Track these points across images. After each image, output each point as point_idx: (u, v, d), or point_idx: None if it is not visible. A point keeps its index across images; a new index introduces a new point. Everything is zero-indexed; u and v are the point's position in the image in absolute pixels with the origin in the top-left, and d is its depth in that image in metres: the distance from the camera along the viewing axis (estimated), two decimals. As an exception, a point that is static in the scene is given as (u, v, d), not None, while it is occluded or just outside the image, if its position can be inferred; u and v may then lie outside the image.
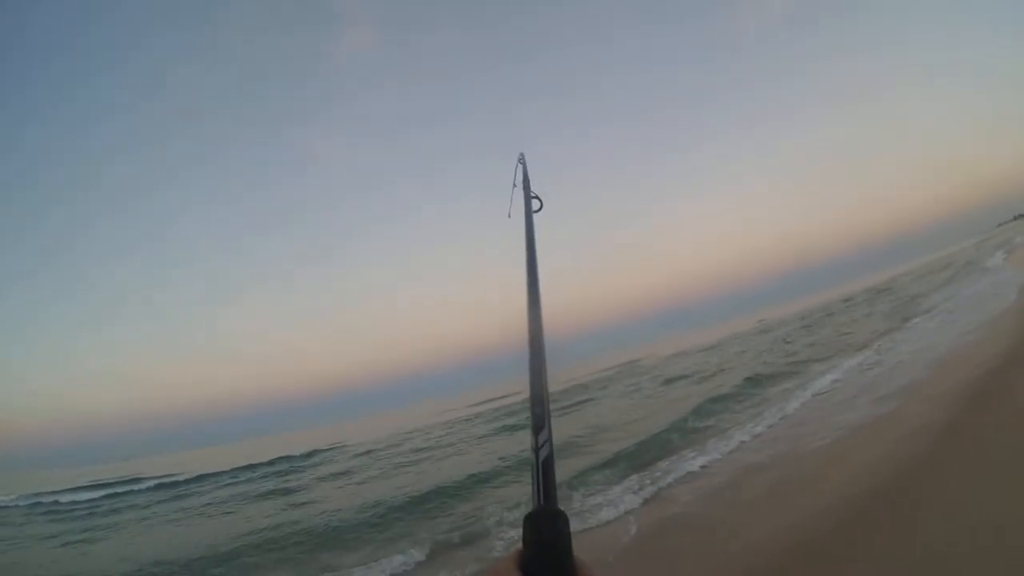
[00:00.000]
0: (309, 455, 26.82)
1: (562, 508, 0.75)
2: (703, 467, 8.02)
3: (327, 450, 27.83)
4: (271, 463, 25.61)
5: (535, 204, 1.43)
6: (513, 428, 20.01)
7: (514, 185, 1.67)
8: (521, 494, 8.22)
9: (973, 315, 13.30)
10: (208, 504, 17.08)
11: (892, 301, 26.93)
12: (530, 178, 1.57)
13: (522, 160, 1.67)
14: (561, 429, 14.57)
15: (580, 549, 0.72)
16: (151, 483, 25.68)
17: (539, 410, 0.85)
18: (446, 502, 10.06)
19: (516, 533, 6.29)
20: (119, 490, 24.98)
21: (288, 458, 26.79)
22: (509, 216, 1.69)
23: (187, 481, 24.80)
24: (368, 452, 23.27)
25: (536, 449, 0.82)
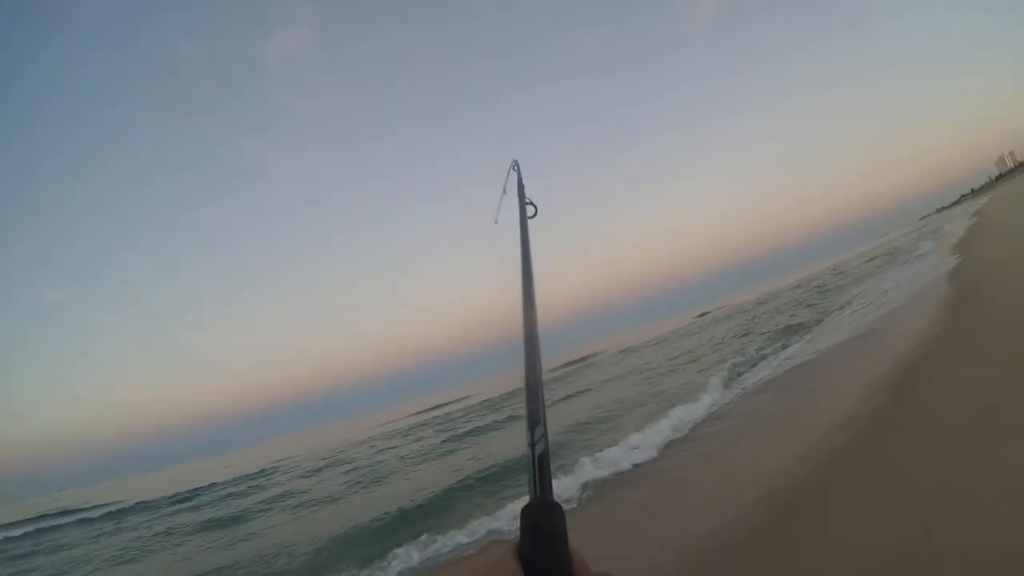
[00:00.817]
0: (256, 475, 26.03)
1: (557, 501, 0.75)
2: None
3: (262, 473, 26.82)
4: (197, 491, 24.60)
5: (530, 210, 1.42)
6: (461, 438, 18.64)
7: (504, 191, 1.69)
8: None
9: (887, 311, 13.46)
10: (139, 537, 16.16)
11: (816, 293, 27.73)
12: (516, 183, 1.57)
13: (516, 167, 1.66)
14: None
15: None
16: (80, 516, 24.92)
17: (534, 406, 0.85)
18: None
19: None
20: (45, 525, 24.09)
21: (231, 481, 25.96)
22: (496, 222, 1.70)
23: (122, 511, 23.83)
24: (310, 473, 21.89)
25: (532, 444, 0.81)
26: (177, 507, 21.77)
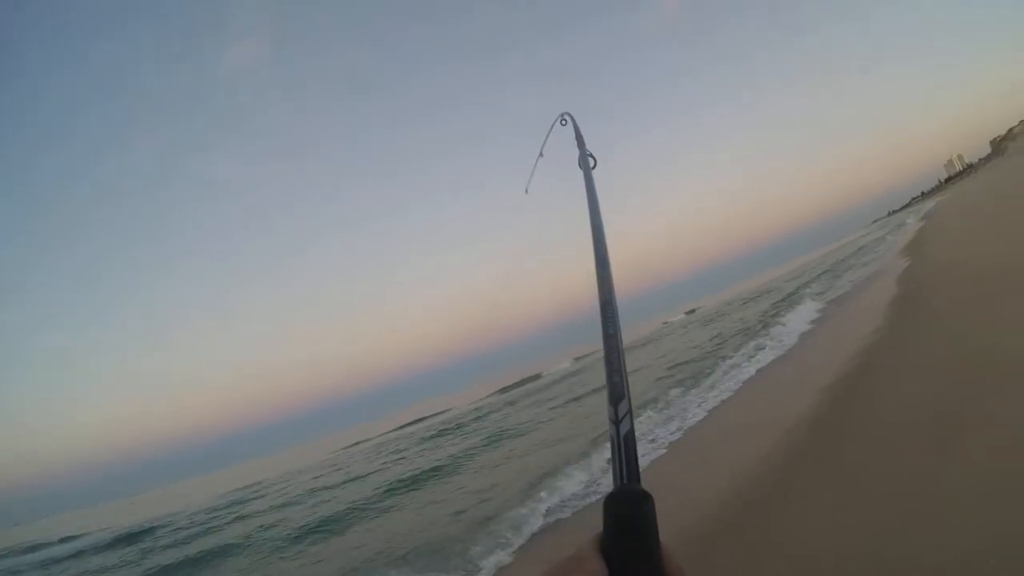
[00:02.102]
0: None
1: (647, 489, 0.68)
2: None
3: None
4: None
5: (591, 161, 1.32)
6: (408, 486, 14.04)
7: (540, 154, 1.67)
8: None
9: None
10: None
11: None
12: (568, 138, 1.50)
13: (569, 119, 1.56)
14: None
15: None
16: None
17: (617, 379, 0.79)
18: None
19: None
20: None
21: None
22: (527, 191, 1.68)
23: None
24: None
25: (616, 422, 0.75)
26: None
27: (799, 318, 16.86)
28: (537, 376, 50.66)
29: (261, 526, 14.57)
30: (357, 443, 47.08)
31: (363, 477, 19.15)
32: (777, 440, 6.43)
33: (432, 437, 24.89)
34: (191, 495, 36.88)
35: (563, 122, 1.58)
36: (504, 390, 47.84)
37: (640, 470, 0.72)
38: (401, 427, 49.45)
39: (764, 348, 14.23)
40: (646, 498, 0.67)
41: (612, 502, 0.67)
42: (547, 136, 1.65)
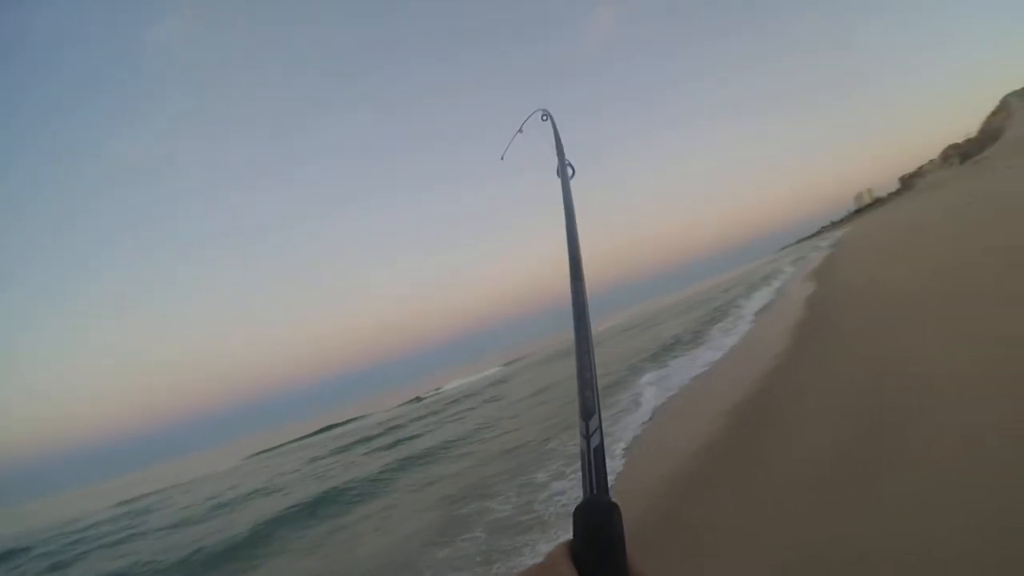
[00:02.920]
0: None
1: (615, 500, 0.70)
2: None
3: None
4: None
5: (569, 171, 1.25)
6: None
7: (520, 130, 1.63)
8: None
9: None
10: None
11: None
12: (551, 135, 1.43)
13: (548, 116, 1.50)
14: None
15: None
16: None
17: (588, 394, 0.79)
18: None
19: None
20: None
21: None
22: (502, 158, 1.72)
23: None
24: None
25: (587, 436, 0.76)
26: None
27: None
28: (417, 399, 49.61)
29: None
30: (275, 447, 45.98)
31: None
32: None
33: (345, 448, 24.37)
34: (83, 504, 37.16)
35: (544, 118, 1.51)
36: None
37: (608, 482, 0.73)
38: (320, 431, 48.95)
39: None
40: (614, 508, 0.69)
41: (582, 512, 0.69)
42: (525, 121, 1.59)
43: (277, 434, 63.15)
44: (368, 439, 25.83)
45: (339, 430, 42.49)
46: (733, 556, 4.20)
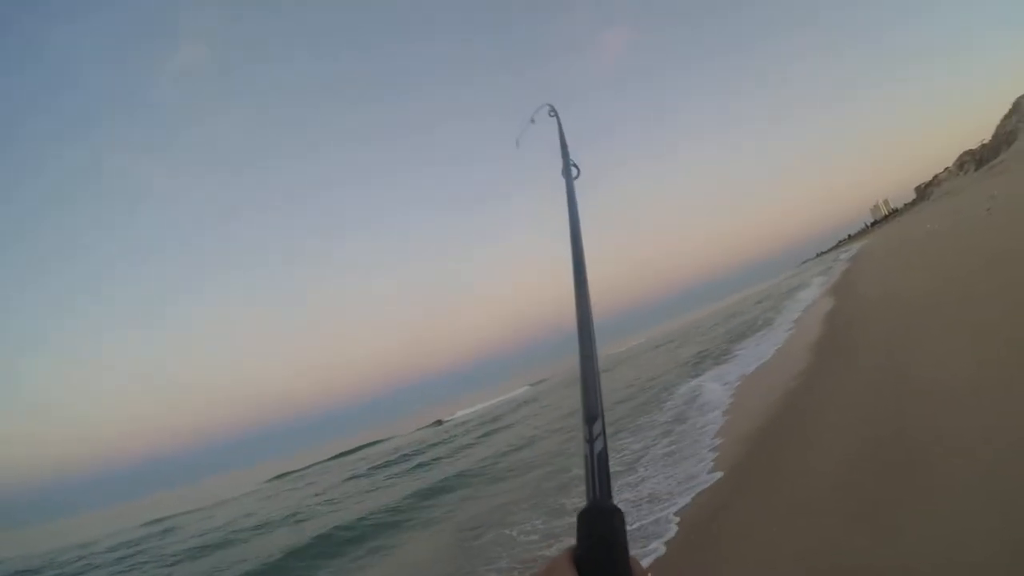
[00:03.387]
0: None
1: (618, 505, 0.71)
2: None
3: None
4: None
5: (574, 171, 1.26)
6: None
7: (532, 120, 1.61)
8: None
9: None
10: None
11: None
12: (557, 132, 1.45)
13: (554, 112, 1.52)
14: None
15: None
16: None
17: (592, 399, 0.80)
18: None
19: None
20: None
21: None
22: (517, 145, 1.67)
23: None
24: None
25: (590, 440, 0.76)
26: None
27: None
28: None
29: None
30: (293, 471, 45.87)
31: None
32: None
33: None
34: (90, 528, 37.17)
35: (551, 113, 1.51)
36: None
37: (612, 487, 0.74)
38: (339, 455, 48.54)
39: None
40: (616, 513, 0.69)
41: (585, 517, 0.69)
42: (532, 118, 1.60)
43: (308, 455, 63.67)
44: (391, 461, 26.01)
45: (360, 452, 43.64)
46: (757, 560, 4.35)
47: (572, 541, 0.68)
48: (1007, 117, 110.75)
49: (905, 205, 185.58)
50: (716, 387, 13.21)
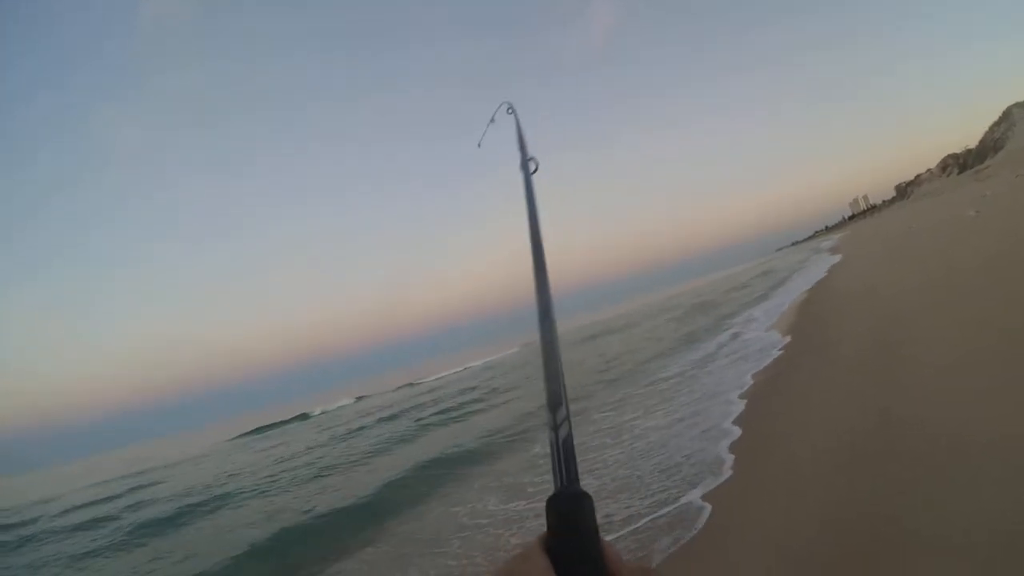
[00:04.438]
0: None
1: (586, 490, 0.71)
2: None
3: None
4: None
5: (532, 165, 1.24)
6: None
7: (492, 120, 1.66)
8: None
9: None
10: None
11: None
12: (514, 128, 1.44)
13: (512, 110, 1.52)
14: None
15: None
16: None
17: (555, 386, 0.79)
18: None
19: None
20: None
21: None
22: (479, 146, 1.74)
23: None
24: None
25: (555, 427, 0.76)
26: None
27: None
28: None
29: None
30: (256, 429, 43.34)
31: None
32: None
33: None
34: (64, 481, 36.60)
35: (509, 111, 1.53)
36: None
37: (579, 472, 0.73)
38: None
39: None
40: (585, 497, 0.69)
41: (554, 503, 0.69)
42: (492, 117, 1.64)
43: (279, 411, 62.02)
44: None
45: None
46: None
47: (541, 528, 0.68)
48: (996, 124, 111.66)
49: (884, 202, 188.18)
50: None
